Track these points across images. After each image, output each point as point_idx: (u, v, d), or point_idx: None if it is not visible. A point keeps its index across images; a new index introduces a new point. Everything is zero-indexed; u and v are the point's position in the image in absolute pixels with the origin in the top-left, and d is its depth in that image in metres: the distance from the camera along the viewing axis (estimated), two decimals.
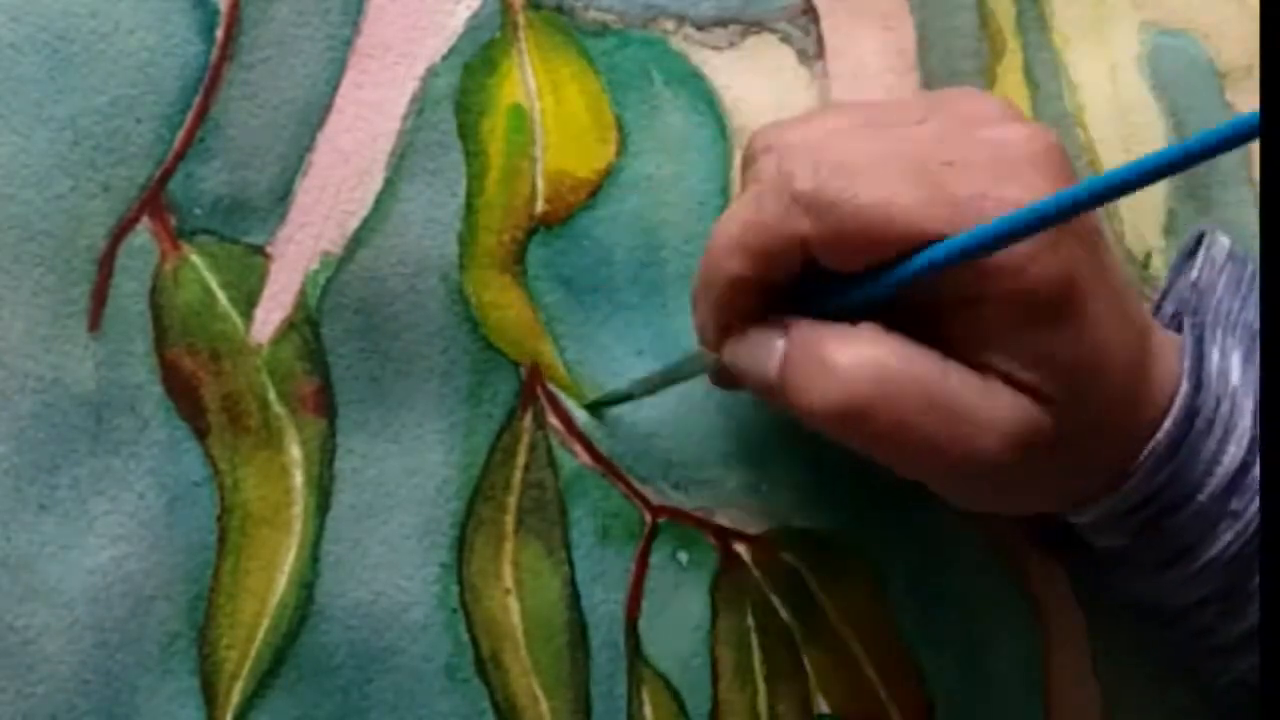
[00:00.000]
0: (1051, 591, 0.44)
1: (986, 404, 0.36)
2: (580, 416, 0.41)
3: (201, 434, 0.39)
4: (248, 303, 0.39)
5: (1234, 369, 0.39)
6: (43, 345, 0.38)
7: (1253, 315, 0.40)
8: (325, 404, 0.40)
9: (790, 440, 0.43)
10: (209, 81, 0.39)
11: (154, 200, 0.39)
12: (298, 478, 0.39)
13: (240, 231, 0.39)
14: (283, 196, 0.40)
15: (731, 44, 0.43)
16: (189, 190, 0.39)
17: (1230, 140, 0.30)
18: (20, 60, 0.38)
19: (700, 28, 0.43)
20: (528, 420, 0.41)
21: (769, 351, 0.36)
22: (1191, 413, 0.38)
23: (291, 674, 0.39)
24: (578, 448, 0.41)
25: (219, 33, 0.39)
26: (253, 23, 0.40)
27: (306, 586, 0.39)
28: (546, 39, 0.42)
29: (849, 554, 0.43)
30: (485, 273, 0.41)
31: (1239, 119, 0.30)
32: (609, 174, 0.42)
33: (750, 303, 0.37)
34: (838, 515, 0.43)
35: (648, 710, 0.41)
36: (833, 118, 0.39)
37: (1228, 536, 0.38)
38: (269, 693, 0.39)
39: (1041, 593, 0.44)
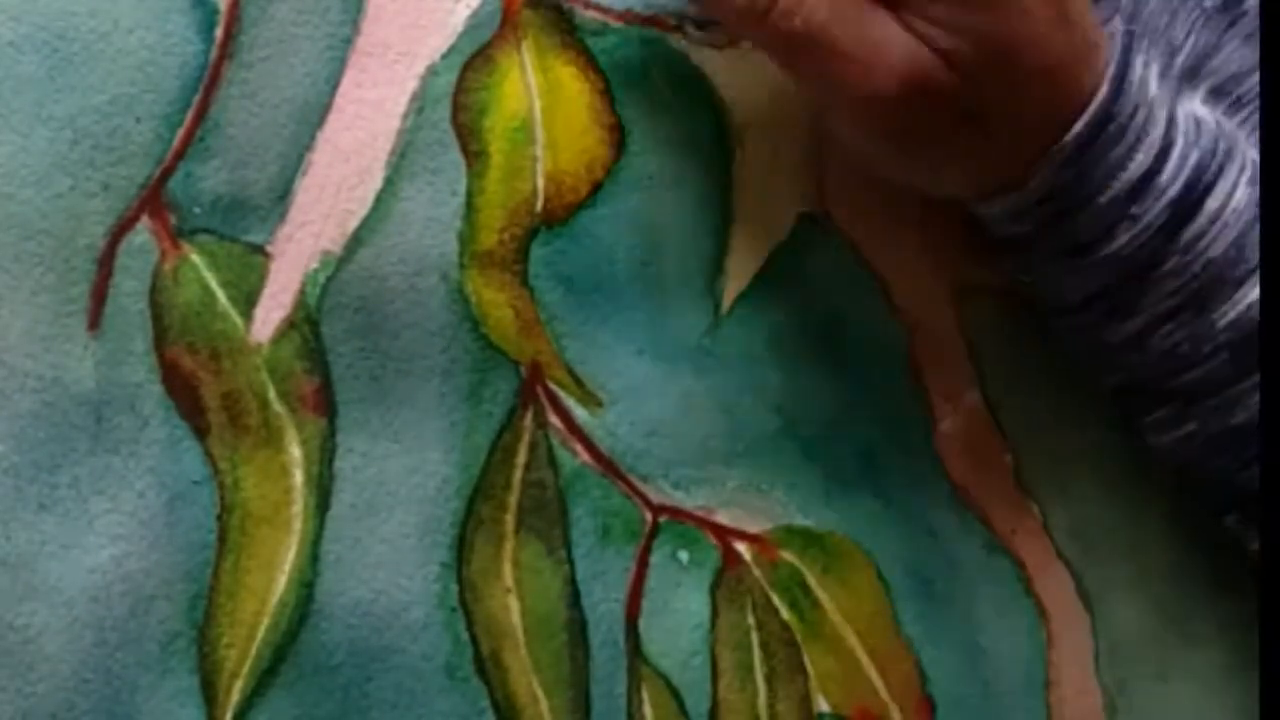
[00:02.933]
0: (1053, 591, 0.44)
1: (895, 45, 0.38)
2: (580, 415, 0.41)
3: (201, 433, 0.39)
4: (247, 302, 0.39)
5: (1153, 79, 0.41)
6: (42, 344, 0.38)
7: (1179, 31, 0.43)
8: (325, 403, 0.40)
9: (790, 440, 0.43)
10: (208, 80, 0.39)
11: (153, 199, 0.39)
12: (298, 477, 0.39)
13: (240, 230, 0.39)
14: (282, 195, 0.40)
15: (731, 43, 0.43)
16: (189, 189, 0.39)
17: None
18: (20, 59, 0.38)
19: (701, 26, 0.43)
20: (528, 419, 0.41)
21: None
22: (1106, 118, 0.40)
23: (291, 673, 0.39)
24: (578, 447, 0.41)
25: (218, 32, 0.39)
26: (252, 22, 0.40)
27: (306, 585, 0.39)
28: (546, 38, 0.42)
29: (849, 554, 0.43)
30: (485, 272, 0.41)
31: None
32: (609, 173, 0.42)
33: None
34: (838, 515, 0.43)
35: (647, 709, 0.41)
36: None
37: (1124, 238, 0.40)
38: (269, 691, 0.39)
39: (1042, 593, 0.44)
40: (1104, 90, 0.40)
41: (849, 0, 0.38)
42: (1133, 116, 0.40)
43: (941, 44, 0.38)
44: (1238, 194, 0.40)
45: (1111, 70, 0.40)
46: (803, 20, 0.38)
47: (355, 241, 0.40)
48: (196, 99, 0.39)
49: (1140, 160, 0.40)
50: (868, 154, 0.41)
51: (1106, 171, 0.40)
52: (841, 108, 0.40)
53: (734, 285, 0.43)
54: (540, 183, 0.41)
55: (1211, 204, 0.40)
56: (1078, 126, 0.39)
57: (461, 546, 0.40)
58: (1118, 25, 0.41)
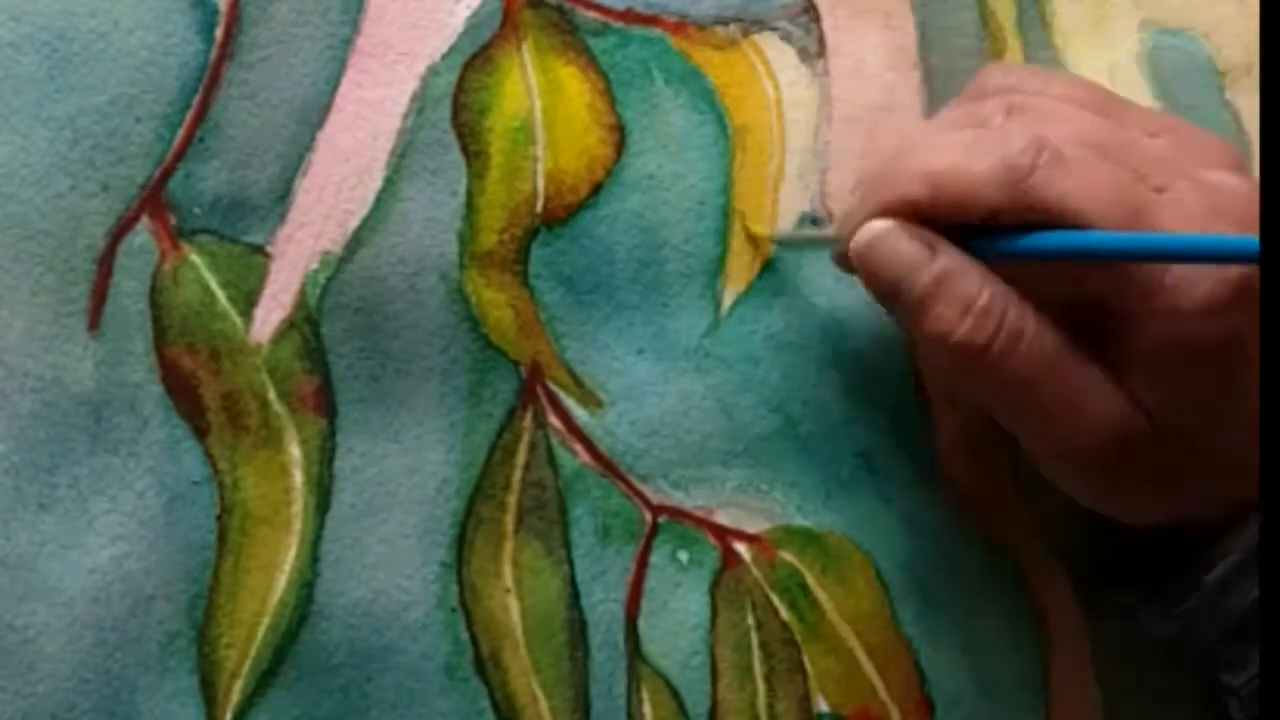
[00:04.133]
0: (1052, 592, 0.44)
1: (1100, 399, 0.37)
2: (580, 416, 0.41)
3: (201, 433, 0.39)
4: (247, 302, 0.39)
5: None
6: (42, 345, 0.38)
7: None
8: (325, 403, 0.40)
9: (790, 440, 0.43)
10: (208, 81, 0.39)
11: (153, 199, 0.39)
12: (297, 477, 0.39)
13: (240, 231, 0.39)
14: (282, 196, 0.40)
15: (733, 42, 0.43)
16: (189, 190, 0.39)
17: None
18: (20, 59, 0.38)
19: (701, 26, 0.43)
20: (528, 419, 0.41)
21: (915, 270, 0.37)
22: None
23: (291, 673, 0.39)
24: (578, 447, 0.41)
25: (219, 32, 0.39)
26: (252, 22, 0.40)
27: (306, 586, 0.39)
28: (546, 38, 0.42)
29: (849, 554, 0.43)
30: (485, 272, 0.41)
31: None
32: (610, 173, 0.42)
33: (910, 217, 0.38)
34: (838, 515, 0.43)
35: (647, 709, 0.41)
36: (1077, 89, 0.40)
37: None
38: (269, 691, 0.39)
39: (1042, 593, 0.44)
40: None
41: (1061, 350, 0.37)
42: None
43: (1149, 405, 0.37)
44: None
45: None
46: (1015, 365, 0.37)
47: (355, 241, 0.40)
48: (196, 99, 0.39)
49: None
50: (1068, 490, 0.40)
51: None
52: (1045, 454, 0.39)
53: (734, 285, 0.43)
54: (540, 183, 0.41)
55: None
56: None
57: (461, 546, 0.40)
58: None
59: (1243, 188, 0.38)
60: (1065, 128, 0.38)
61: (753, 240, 0.42)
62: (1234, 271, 0.36)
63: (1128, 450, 0.38)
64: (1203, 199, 0.37)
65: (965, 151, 0.37)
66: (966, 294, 0.37)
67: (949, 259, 0.37)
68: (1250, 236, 0.34)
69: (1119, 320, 0.37)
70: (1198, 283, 0.36)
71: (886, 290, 0.38)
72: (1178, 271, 0.36)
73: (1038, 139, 0.37)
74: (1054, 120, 0.38)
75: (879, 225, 0.38)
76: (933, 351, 0.39)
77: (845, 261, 0.40)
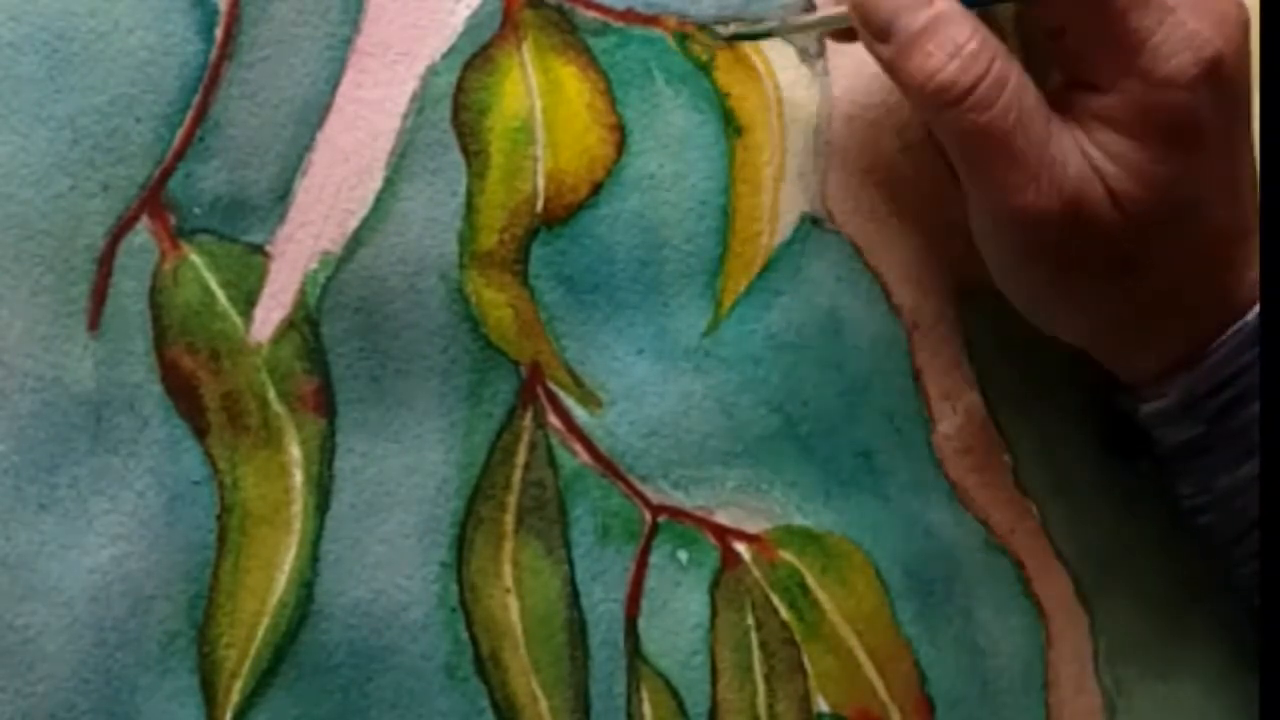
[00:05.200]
0: (1052, 592, 0.44)
1: (1067, 165, 0.38)
2: (580, 416, 0.41)
3: (201, 433, 0.39)
4: (247, 302, 0.39)
5: None
6: (42, 344, 0.38)
7: None
8: (325, 403, 0.40)
9: (790, 440, 0.43)
10: (208, 80, 0.39)
11: (153, 199, 0.39)
12: (297, 477, 0.39)
13: (240, 231, 0.39)
14: (282, 196, 0.40)
15: (732, 42, 0.43)
16: (188, 189, 0.39)
17: None
18: (20, 59, 0.38)
19: (701, 26, 0.43)
20: (528, 419, 0.41)
21: (910, 8, 0.39)
22: None
23: (291, 673, 0.39)
24: (578, 447, 0.41)
25: (218, 32, 0.39)
26: (252, 22, 0.40)
27: (306, 585, 0.39)
28: (546, 37, 0.42)
29: (848, 554, 0.43)
30: (485, 272, 0.41)
31: None
32: (610, 173, 0.42)
33: None
34: (838, 515, 0.43)
35: (647, 709, 0.41)
36: None
37: None
38: (269, 691, 0.39)
39: (1042, 593, 0.44)
40: None
41: (1039, 111, 0.38)
42: None
43: (1113, 181, 0.38)
44: None
45: None
46: (990, 118, 0.38)
47: (355, 241, 0.40)
48: (196, 99, 0.39)
49: None
50: (1011, 277, 0.41)
51: None
52: (1000, 215, 0.40)
53: (734, 285, 0.43)
54: (540, 183, 0.41)
55: None
56: (1246, 320, 0.39)
57: (461, 546, 0.40)
58: None
59: None
60: None
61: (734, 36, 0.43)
62: (1208, 50, 0.38)
63: (1084, 225, 0.38)
64: None
65: None
66: (957, 37, 0.38)
67: (945, 3, 0.39)
68: None
69: (1090, 89, 0.39)
70: (1174, 53, 0.38)
71: (880, 28, 0.39)
72: (1156, 39, 0.38)
73: None
74: None
75: None
76: (916, 95, 0.39)
77: (844, 35, 0.41)
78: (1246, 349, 0.39)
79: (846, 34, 0.41)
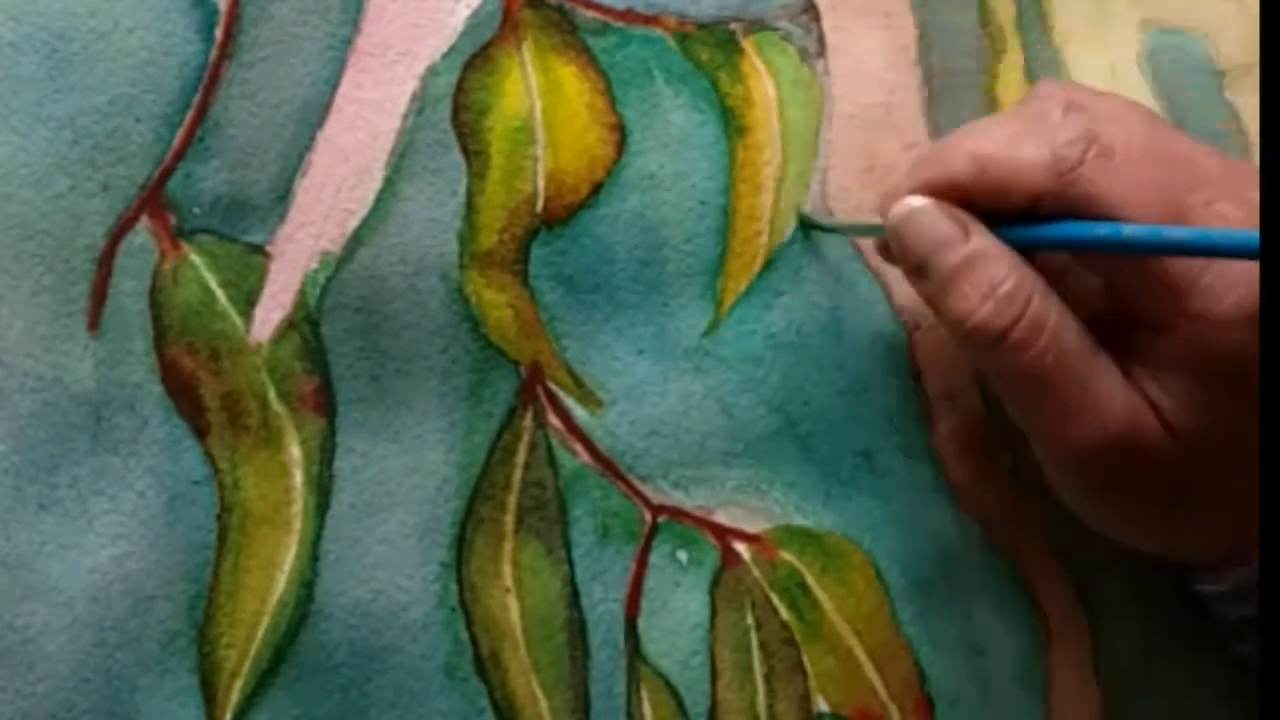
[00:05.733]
0: (1052, 591, 0.44)
1: (1114, 401, 0.37)
2: (580, 415, 0.41)
3: (201, 433, 0.39)
4: (247, 302, 0.39)
5: None
6: (42, 344, 0.38)
7: None
8: (325, 403, 0.40)
9: (790, 440, 0.43)
10: (208, 81, 0.39)
11: (153, 199, 0.39)
12: (297, 477, 0.39)
13: (240, 231, 0.39)
14: (282, 196, 0.40)
15: (733, 42, 0.43)
16: (188, 189, 0.39)
17: None
18: (20, 59, 0.38)
19: (701, 26, 0.43)
20: (528, 419, 0.41)
21: (946, 247, 0.38)
22: None
23: (291, 673, 0.39)
24: (578, 447, 0.41)
25: (218, 32, 0.39)
26: (252, 22, 0.40)
27: (306, 585, 0.39)
28: (546, 37, 0.42)
29: (848, 554, 0.43)
30: (485, 272, 0.41)
31: None
32: (610, 173, 0.42)
33: (952, 196, 0.38)
34: (838, 515, 0.43)
35: (647, 709, 0.41)
36: (1130, 104, 0.40)
37: None
38: (268, 691, 0.39)
39: (1042, 593, 0.44)
40: None
41: (1081, 350, 0.37)
42: None
43: (1170, 416, 0.37)
44: None
45: None
46: (1028, 360, 0.37)
47: (355, 241, 0.40)
48: (196, 99, 0.39)
49: None
50: (1069, 499, 0.41)
51: None
52: (1049, 448, 0.39)
53: (734, 285, 0.43)
54: (540, 183, 0.41)
55: None
56: None
57: (461, 546, 0.40)
58: None
59: None
60: (1119, 129, 0.38)
61: (802, 223, 0.43)
62: None
63: (1137, 457, 0.37)
64: (1246, 216, 0.37)
65: (1016, 138, 0.38)
66: (993, 277, 0.37)
67: (981, 241, 0.38)
68: (1251, 231, 0.34)
69: (1144, 326, 0.38)
70: (1229, 291, 0.36)
71: (916, 264, 0.39)
72: (1209, 279, 0.36)
73: (1089, 132, 0.37)
74: (1109, 121, 0.38)
75: (917, 200, 0.39)
76: (954, 333, 0.39)
77: (888, 250, 0.40)
78: None
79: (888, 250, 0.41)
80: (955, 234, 0.38)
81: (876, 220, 0.41)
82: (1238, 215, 0.37)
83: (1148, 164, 0.37)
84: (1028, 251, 0.38)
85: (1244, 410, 0.37)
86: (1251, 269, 0.36)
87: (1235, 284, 0.36)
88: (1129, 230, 0.36)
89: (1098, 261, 0.38)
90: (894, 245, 0.39)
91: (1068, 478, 0.40)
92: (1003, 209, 0.38)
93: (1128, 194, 0.37)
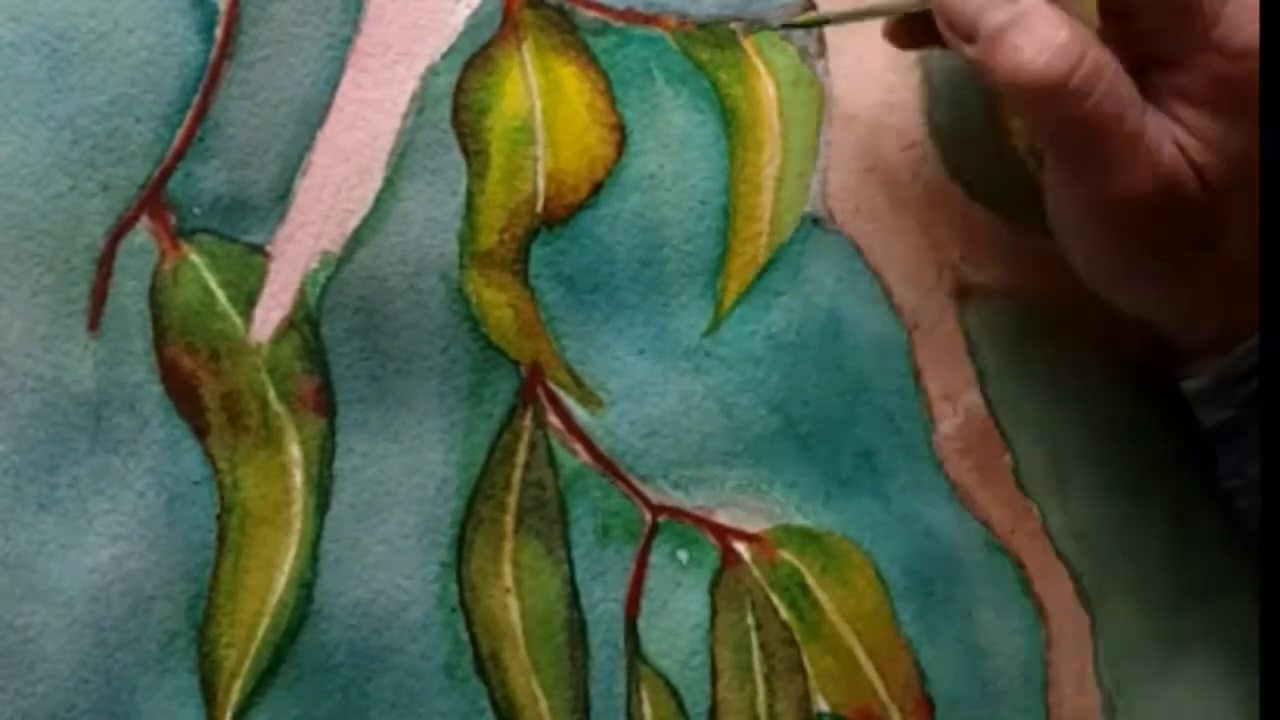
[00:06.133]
0: (1053, 592, 0.44)
1: (1162, 149, 0.38)
2: (580, 415, 0.41)
3: (201, 433, 0.39)
4: (247, 302, 0.39)
5: None
6: (42, 344, 0.38)
7: None
8: (325, 403, 0.40)
9: (790, 440, 0.43)
10: (208, 81, 0.39)
11: (153, 199, 0.39)
12: (297, 477, 0.39)
13: (240, 231, 0.39)
14: (282, 196, 0.40)
15: (733, 42, 0.43)
16: (188, 189, 0.39)
17: None
18: (20, 59, 0.38)
19: (701, 26, 0.43)
20: (528, 419, 0.41)
21: (995, 5, 0.38)
22: None
23: (291, 673, 0.39)
24: (578, 447, 0.41)
25: (218, 32, 0.39)
26: (252, 22, 0.40)
27: (306, 585, 0.39)
28: (547, 37, 0.42)
29: (848, 554, 0.43)
30: (486, 272, 0.41)
31: None
32: (610, 173, 0.42)
33: None
34: (838, 515, 0.43)
35: (647, 709, 0.41)
36: None
37: None
38: (268, 691, 0.39)
39: (1042, 593, 0.44)
40: None
41: (1135, 98, 0.38)
42: None
43: (1195, 155, 0.38)
44: None
45: None
46: (1090, 106, 0.38)
47: (355, 241, 0.40)
48: (196, 99, 0.39)
49: None
50: (1097, 262, 0.41)
51: None
52: (1095, 202, 0.40)
53: (734, 285, 0.43)
54: (540, 183, 0.41)
55: None
56: None
57: (461, 546, 0.40)
58: None
59: None
60: None
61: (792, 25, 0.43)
62: None
63: (1172, 203, 0.38)
64: None
65: None
66: (1046, 31, 0.38)
67: (1031, 1, 0.38)
68: None
69: (1166, 63, 0.39)
70: (1249, 22, 0.38)
71: (965, 25, 0.39)
72: (1230, 9, 0.38)
73: None
74: None
75: None
76: (1010, 89, 0.39)
77: (900, 34, 0.41)
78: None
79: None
80: None
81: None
82: None
83: None
84: None
85: (1254, 142, 0.38)
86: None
87: (1253, 16, 0.38)
88: None
89: (1120, 6, 0.39)
90: (941, 13, 0.39)
91: (1102, 232, 0.40)
92: None
93: None
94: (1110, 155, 0.38)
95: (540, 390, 0.41)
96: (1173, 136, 0.39)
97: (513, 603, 0.41)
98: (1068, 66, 0.38)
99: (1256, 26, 0.38)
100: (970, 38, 0.39)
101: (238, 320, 0.39)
